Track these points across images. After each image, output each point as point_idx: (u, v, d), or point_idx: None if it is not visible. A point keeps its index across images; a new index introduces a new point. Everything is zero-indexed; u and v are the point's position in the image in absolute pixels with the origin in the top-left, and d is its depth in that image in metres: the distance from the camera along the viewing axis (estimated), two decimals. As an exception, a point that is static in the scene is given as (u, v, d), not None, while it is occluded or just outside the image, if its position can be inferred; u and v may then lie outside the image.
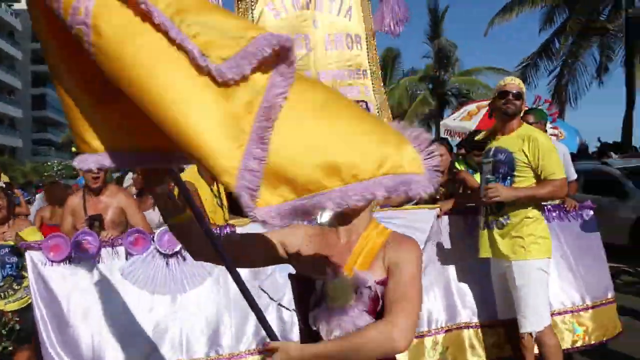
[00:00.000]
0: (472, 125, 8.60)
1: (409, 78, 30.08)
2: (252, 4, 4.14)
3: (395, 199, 4.34)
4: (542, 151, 3.21)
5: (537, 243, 3.23)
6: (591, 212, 4.10)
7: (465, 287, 3.82)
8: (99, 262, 3.27)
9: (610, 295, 4.08)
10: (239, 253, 1.69)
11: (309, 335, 1.60)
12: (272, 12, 4.20)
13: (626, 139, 16.37)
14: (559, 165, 3.28)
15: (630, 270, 7.29)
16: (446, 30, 31.68)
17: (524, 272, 3.21)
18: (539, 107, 6.22)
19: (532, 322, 3.22)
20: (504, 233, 3.29)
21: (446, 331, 3.75)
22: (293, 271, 1.71)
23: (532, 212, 3.29)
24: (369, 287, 1.52)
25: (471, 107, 9.55)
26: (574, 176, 4.45)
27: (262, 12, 4.15)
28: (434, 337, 3.72)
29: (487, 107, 8.93)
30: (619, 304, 4.23)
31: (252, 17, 4.09)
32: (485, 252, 3.42)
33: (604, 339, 3.98)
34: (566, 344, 3.81)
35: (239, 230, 3.37)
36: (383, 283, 1.54)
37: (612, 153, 11.93)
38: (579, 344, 3.90)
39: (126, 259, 3.29)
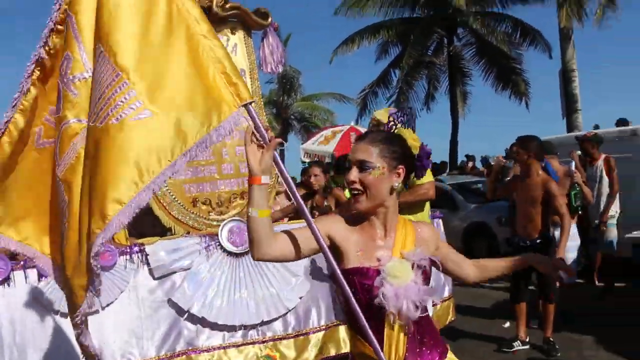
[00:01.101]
0: (330, 148, 9.46)
1: (253, 103, 30.79)
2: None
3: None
4: None
5: None
6: (440, 222, 5.00)
7: None
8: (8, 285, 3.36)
9: (447, 293, 4.93)
10: (293, 244, 1.81)
11: (373, 317, 1.78)
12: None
13: (452, 158, 18.79)
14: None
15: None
16: (290, 57, 33.11)
17: None
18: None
19: None
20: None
21: (326, 328, 4.18)
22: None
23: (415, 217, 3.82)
24: (424, 260, 1.82)
25: (327, 132, 10.44)
26: None
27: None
28: (317, 335, 4.25)
29: (343, 132, 9.93)
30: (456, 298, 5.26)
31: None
32: None
33: (442, 326, 4.82)
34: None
35: (147, 248, 3.68)
36: (430, 259, 1.86)
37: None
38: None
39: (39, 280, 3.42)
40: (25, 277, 3.41)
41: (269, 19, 5.00)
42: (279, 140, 1.77)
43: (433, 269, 1.90)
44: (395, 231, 1.87)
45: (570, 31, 14.57)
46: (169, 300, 3.68)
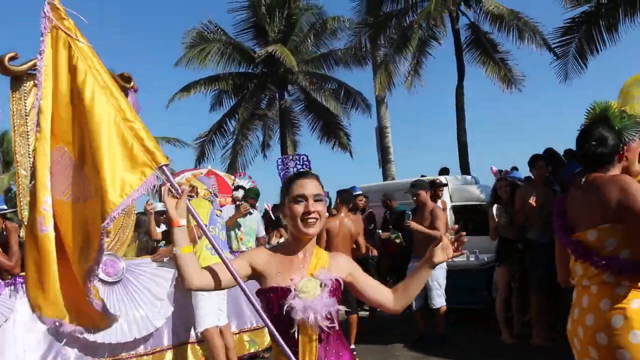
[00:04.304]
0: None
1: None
2: (25, 95, 4.96)
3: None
4: None
5: None
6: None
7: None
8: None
9: None
10: (214, 277, 2.10)
11: (287, 327, 2.03)
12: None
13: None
14: None
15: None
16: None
17: None
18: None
19: None
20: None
21: (179, 345, 5.03)
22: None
23: None
24: (331, 280, 2.08)
25: (188, 174, 11.03)
26: (262, 233, 6.53)
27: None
28: (170, 351, 5.03)
29: (201, 174, 10.63)
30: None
31: (25, 106, 4.92)
32: None
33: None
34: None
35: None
36: (337, 280, 2.11)
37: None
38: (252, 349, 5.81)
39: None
40: None
41: (132, 82, 5.87)
42: (189, 189, 2.41)
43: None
44: (311, 256, 2.15)
45: (384, 95, 17.12)
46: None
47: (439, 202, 8.32)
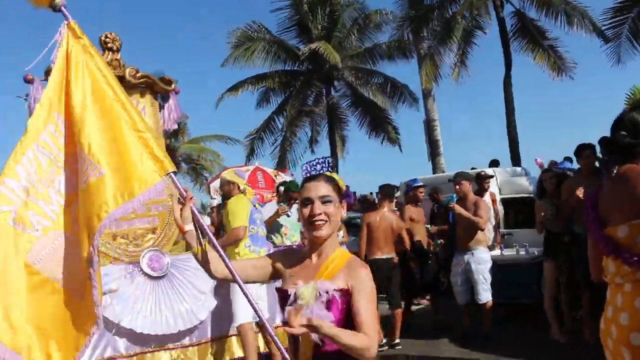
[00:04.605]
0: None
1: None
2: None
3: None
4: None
5: None
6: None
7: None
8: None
9: None
10: (248, 272, 2.23)
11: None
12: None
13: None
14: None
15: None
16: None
17: None
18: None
19: None
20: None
21: (220, 338, 5.09)
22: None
23: None
24: (327, 292, 1.94)
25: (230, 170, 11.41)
26: None
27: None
28: (215, 343, 5.10)
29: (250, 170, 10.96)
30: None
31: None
32: None
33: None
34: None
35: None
36: (341, 291, 1.96)
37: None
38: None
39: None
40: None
41: (173, 85, 6.05)
42: (192, 197, 2.28)
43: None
44: (325, 260, 2.09)
45: (431, 87, 16.90)
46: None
47: (488, 195, 8.17)
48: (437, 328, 7.05)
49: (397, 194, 10.32)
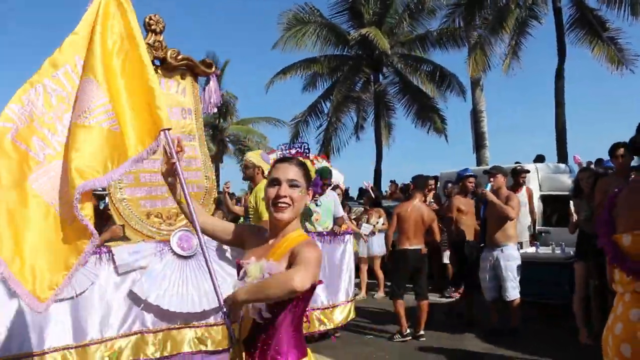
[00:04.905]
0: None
1: (192, 125, 31.52)
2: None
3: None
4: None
5: None
6: (350, 237, 6.25)
7: None
8: None
9: (345, 297, 6.08)
10: (217, 229, 2.35)
11: None
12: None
13: (376, 184, 20.35)
14: None
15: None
16: (227, 82, 34.13)
17: None
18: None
19: None
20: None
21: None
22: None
23: None
24: (270, 273, 1.97)
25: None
26: (341, 213, 6.71)
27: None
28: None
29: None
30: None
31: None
32: None
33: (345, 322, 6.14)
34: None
35: (114, 250, 4.67)
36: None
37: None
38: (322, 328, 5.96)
39: None
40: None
41: (213, 68, 6.17)
42: (182, 149, 2.38)
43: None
44: (280, 241, 2.11)
45: (479, 77, 16.53)
46: (130, 291, 4.68)
47: (524, 190, 8.02)
48: (463, 323, 7.03)
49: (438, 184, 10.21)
